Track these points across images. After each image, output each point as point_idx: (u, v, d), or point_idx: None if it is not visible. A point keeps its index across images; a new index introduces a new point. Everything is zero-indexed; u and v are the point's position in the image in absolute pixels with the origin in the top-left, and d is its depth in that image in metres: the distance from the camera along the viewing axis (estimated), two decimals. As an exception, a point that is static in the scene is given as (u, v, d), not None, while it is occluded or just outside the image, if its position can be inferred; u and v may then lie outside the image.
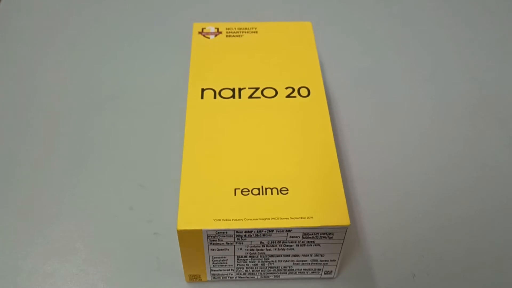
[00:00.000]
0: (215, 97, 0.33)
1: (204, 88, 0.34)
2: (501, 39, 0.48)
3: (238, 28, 0.39)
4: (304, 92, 0.34)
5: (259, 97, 0.33)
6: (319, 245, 0.28)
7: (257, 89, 0.34)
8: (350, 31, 0.50)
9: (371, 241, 0.34)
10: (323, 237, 0.28)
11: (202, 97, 0.33)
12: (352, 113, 0.42)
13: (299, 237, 0.27)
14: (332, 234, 0.27)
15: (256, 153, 0.30)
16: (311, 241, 0.28)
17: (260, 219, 0.27)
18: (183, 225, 0.27)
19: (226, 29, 0.39)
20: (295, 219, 0.27)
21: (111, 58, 0.47)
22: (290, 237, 0.28)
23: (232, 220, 0.27)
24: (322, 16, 0.52)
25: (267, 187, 0.29)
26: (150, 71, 0.46)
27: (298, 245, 0.28)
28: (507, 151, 0.39)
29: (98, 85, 0.44)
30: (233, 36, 0.38)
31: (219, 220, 0.27)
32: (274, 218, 0.27)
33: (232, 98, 0.33)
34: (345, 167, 0.38)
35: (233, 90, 0.34)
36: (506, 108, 0.42)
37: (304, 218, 0.27)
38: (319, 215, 0.27)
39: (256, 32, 0.38)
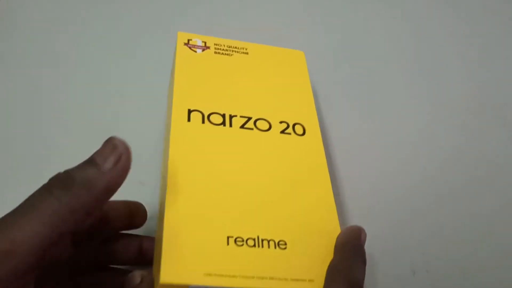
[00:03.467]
0: (203, 122, 0.29)
1: (191, 109, 0.30)
2: (502, 38, 0.47)
3: (227, 46, 0.35)
4: (299, 129, 0.31)
5: (252, 129, 0.30)
6: None
7: (249, 118, 0.30)
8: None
9: (371, 238, 0.33)
10: None
11: (188, 119, 0.29)
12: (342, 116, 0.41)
13: None
14: None
15: (251, 195, 0.27)
16: None
17: (256, 277, 0.23)
18: (167, 278, 0.22)
19: (215, 44, 0.35)
20: (295, 281, 0.24)
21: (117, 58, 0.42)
22: None
23: (225, 276, 0.23)
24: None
25: (263, 238, 0.25)
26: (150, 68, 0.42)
27: None
28: (507, 149, 0.39)
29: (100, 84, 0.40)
30: (222, 53, 0.34)
31: (210, 274, 0.23)
32: (272, 278, 0.24)
33: (222, 126, 0.29)
34: (342, 170, 0.37)
35: (224, 116, 0.30)
36: (506, 107, 0.42)
37: (305, 280, 0.24)
38: (320, 279, 0.24)
39: (247, 53, 0.35)
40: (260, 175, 0.28)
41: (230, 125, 0.30)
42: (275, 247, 0.25)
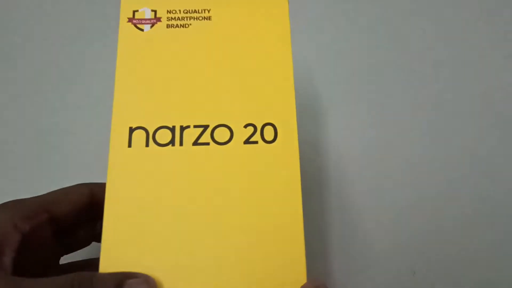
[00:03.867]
0: (147, 144, 0.25)
1: (133, 126, 0.25)
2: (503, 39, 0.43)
3: (184, 12, 0.27)
4: (269, 133, 0.25)
5: (208, 144, 0.25)
6: None
7: (205, 128, 0.25)
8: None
9: (371, 238, 0.34)
10: None
11: (129, 144, 0.25)
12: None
13: None
14: None
15: (203, 245, 0.23)
16: None
17: None
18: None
19: (168, 12, 0.27)
20: None
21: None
22: None
23: None
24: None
25: None
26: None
27: None
28: (507, 150, 0.38)
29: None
30: (177, 26, 0.27)
31: None
32: None
33: (170, 146, 0.25)
34: (342, 170, 0.36)
35: (173, 130, 0.25)
36: (506, 106, 0.40)
37: None
38: None
39: (209, 18, 0.27)
40: (215, 212, 0.24)
41: (181, 143, 0.25)
42: None
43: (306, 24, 0.43)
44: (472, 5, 0.45)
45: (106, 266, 0.22)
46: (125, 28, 0.27)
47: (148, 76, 0.26)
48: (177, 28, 0.27)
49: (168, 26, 0.27)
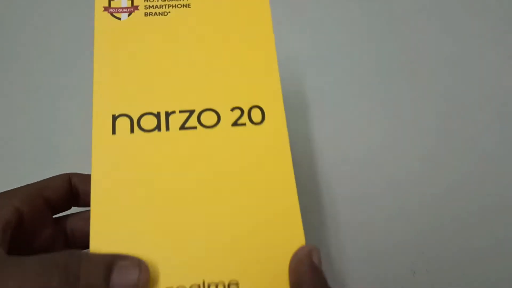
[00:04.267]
0: (132, 131, 0.24)
1: (116, 114, 0.24)
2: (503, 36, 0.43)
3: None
4: (256, 115, 0.25)
5: (195, 127, 0.24)
6: None
7: (191, 112, 0.25)
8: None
9: (371, 238, 0.34)
10: None
11: (113, 132, 0.24)
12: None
13: None
14: None
15: (195, 228, 0.22)
16: None
17: None
18: None
19: (145, 0, 0.27)
20: None
21: None
22: None
23: None
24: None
25: (210, 282, 0.22)
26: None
27: None
28: (507, 149, 0.38)
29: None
30: (156, 14, 0.27)
31: None
32: None
33: (156, 131, 0.24)
34: (342, 170, 0.36)
35: (158, 116, 0.24)
36: (506, 105, 0.40)
37: None
38: None
39: (189, 5, 0.27)
40: (206, 196, 0.23)
41: (167, 128, 0.24)
42: None
43: (306, 23, 0.42)
44: (474, 4, 0.44)
45: (97, 246, 0.21)
46: (101, 17, 0.26)
47: (128, 65, 0.25)
48: (155, 16, 0.26)
49: (146, 14, 0.26)
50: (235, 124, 0.25)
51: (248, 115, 0.25)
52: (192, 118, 0.24)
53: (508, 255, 0.33)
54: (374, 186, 0.36)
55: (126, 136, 0.24)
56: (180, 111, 0.24)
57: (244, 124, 0.25)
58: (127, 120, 0.24)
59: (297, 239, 0.22)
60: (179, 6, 0.27)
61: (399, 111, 0.39)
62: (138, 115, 0.24)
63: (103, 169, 0.23)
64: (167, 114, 0.24)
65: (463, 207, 0.35)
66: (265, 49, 0.26)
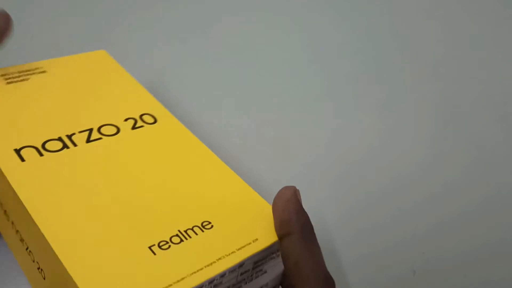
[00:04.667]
0: (41, 154, 0.23)
1: (18, 147, 0.24)
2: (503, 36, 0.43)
3: (18, 72, 0.29)
4: (149, 119, 0.28)
5: (101, 138, 0.25)
6: (266, 271, 0.23)
7: (91, 130, 0.26)
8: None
9: (371, 238, 0.33)
10: (271, 258, 0.22)
11: (22, 159, 0.23)
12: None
13: (249, 270, 0.22)
14: (278, 250, 0.23)
15: (146, 200, 0.22)
16: (260, 269, 0.22)
17: (205, 266, 0.20)
18: None
19: (2, 75, 0.28)
20: (243, 249, 0.21)
21: None
22: (241, 274, 0.21)
23: (175, 283, 0.19)
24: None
25: (185, 228, 0.21)
26: None
27: (247, 283, 0.22)
28: (507, 149, 0.38)
29: None
30: (17, 81, 0.28)
31: None
32: (220, 258, 0.20)
33: (65, 149, 0.24)
34: (342, 170, 0.36)
35: (60, 139, 0.25)
36: (506, 106, 0.40)
37: (250, 243, 0.21)
38: (262, 234, 0.22)
39: (45, 71, 0.29)
40: (143, 179, 0.24)
41: (75, 145, 0.25)
42: (202, 231, 0.21)
43: (307, 22, 0.41)
44: (474, 4, 0.43)
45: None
46: None
47: (9, 116, 0.25)
48: (17, 82, 0.28)
49: (8, 82, 0.28)
50: (134, 127, 0.27)
51: (141, 120, 0.27)
52: (94, 133, 0.25)
53: (509, 254, 0.33)
54: (374, 186, 0.35)
55: (36, 160, 0.23)
56: (80, 131, 0.25)
57: (142, 126, 0.27)
58: (32, 150, 0.24)
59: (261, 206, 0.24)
60: (36, 72, 0.29)
61: (399, 111, 0.39)
62: (41, 143, 0.24)
63: (32, 197, 0.21)
64: (69, 136, 0.25)
65: (464, 207, 0.35)
66: (126, 81, 0.30)
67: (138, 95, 0.29)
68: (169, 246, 0.20)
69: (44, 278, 0.21)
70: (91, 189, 0.22)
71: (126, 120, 0.27)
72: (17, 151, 0.23)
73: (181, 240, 0.21)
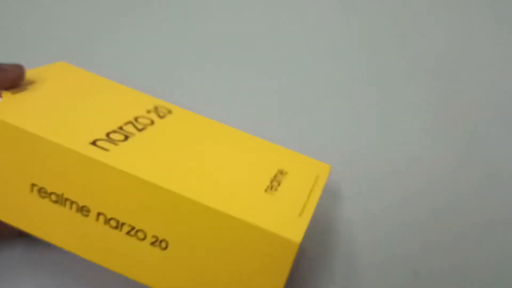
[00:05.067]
0: (115, 143, 0.24)
1: (91, 141, 0.24)
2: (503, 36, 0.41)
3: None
4: (164, 110, 0.30)
5: (145, 127, 0.27)
6: None
7: (133, 120, 0.27)
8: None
9: (371, 238, 0.34)
10: None
11: (104, 149, 0.23)
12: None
13: None
14: None
15: (235, 158, 0.27)
16: None
17: (307, 199, 0.25)
18: None
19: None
20: (316, 183, 0.27)
21: None
22: None
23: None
24: None
25: (274, 175, 0.26)
26: None
27: None
28: (508, 148, 0.38)
29: None
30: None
31: None
32: (312, 191, 0.26)
33: (131, 136, 0.25)
34: (342, 170, 0.36)
35: (117, 131, 0.26)
36: (506, 107, 0.39)
37: (317, 180, 0.28)
38: (320, 172, 0.28)
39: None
40: (219, 145, 0.28)
41: (133, 134, 0.26)
42: (283, 175, 0.27)
43: (308, 22, 0.39)
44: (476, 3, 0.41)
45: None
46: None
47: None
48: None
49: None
50: (160, 117, 0.29)
51: (159, 111, 0.30)
52: (137, 124, 0.27)
53: (509, 256, 0.34)
54: (373, 185, 0.36)
55: (116, 147, 0.24)
56: (125, 123, 0.27)
57: (164, 116, 0.29)
58: (103, 141, 0.24)
59: None
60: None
61: (398, 112, 0.38)
62: (104, 135, 0.25)
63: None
64: (120, 128, 0.26)
65: (464, 206, 0.35)
66: (106, 84, 0.32)
67: (133, 94, 0.31)
68: (276, 188, 0.25)
69: (166, 247, 0.23)
70: (187, 155, 0.25)
71: (148, 112, 0.29)
72: (93, 143, 0.24)
73: (278, 184, 0.25)
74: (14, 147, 0.24)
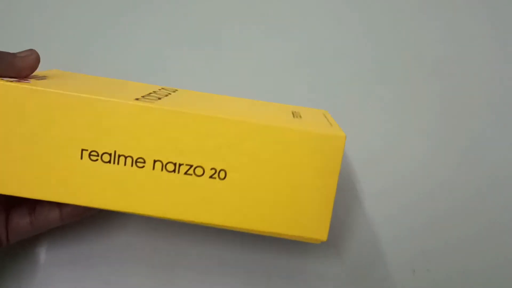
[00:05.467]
0: (158, 98, 0.26)
1: (136, 97, 0.26)
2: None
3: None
4: (168, 90, 0.32)
5: (161, 97, 0.29)
6: None
7: (151, 92, 0.29)
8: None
9: (370, 236, 0.34)
10: None
11: (151, 101, 0.25)
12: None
13: None
14: None
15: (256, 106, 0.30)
16: None
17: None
18: None
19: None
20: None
21: None
22: None
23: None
24: None
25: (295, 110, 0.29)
26: None
27: None
28: (508, 148, 0.38)
29: None
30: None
31: None
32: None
33: (163, 97, 0.27)
34: (347, 165, 0.36)
35: (150, 94, 0.28)
36: (506, 105, 0.39)
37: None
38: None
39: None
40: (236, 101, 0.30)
41: (160, 97, 0.28)
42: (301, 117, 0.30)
43: (309, 21, 0.38)
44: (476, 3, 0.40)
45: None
46: None
47: None
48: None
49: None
50: (168, 95, 0.31)
51: (165, 91, 0.32)
52: (155, 94, 0.29)
53: (509, 253, 0.34)
54: (373, 185, 0.36)
55: (159, 101, 0.26)
56: (148, 94, 0.29)
57: (170, 94, 0.32)
58: (144, 98, 0.26)
59: None
60: None
61: (398, 112, 0.38)
62: (141, 96, 0.27)
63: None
64: (148, 94, 0.28)
65: (464, 205, 0.36)
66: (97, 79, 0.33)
67: (129, 83, 0.33)
68: (300, 117, 0.28)
69: (225, 177, 0.25)
70: (220, 102, 0.28)
71: (159, 89, 0.31)
72: (138, 99, 0.26)
73: (300, 116, 0.29)
74: (60, 116, 0.25)
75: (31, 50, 0.28)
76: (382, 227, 0.35)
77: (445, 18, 0.38)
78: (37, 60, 0.27)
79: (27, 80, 0.26)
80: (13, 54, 0.27)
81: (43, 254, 0.36)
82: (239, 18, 0.37)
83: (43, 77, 0.28)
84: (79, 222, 0.35)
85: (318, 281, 0.33)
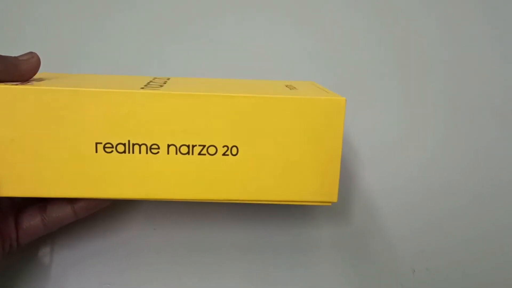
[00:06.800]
0: (161, 86, 0.27)
1: (142, 86, 0.27)
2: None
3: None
4: (162, 80, 0.33)
5: (162, 85, 0.30)
6: None
7: (152, 80, 0.30)
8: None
9: (370, 236, 0.34)
10: None
11: (155, 89, 0.26)
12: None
13: None
14: None
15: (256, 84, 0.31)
16: None
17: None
18: None
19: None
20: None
21: None
22: None
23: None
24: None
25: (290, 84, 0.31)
26: None
27: None
28: (508, 148, 0.38)
29: None
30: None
31: None
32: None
33: (164, 84, 0.28)
34: (349, 163, 0.36)
35: (151, 82, 0.28)
36: (508, 105, 0.39)
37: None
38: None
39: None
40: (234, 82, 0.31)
41: (161, 85, 0.29)
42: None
43: (310, 21, 0.38)
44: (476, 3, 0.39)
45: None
46: None
47: None
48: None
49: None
50: (165, 83, 0.32)
51: (160, 80, 0.33)
52: (155, 81, 0.30)
53: (509, 253, 0.34)
54: (373, 184, 0.36)
55: (162, 87, 0.27)
56: (150, 82, 0.29)
57: (166, 82, 0.33)
58: (148, 87, 0.27)
59: None
60: None
61: (397, 112, 0.38)
62: (144, 85, 0.27)
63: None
64: (150, 81, 0.29)
65: (464, 205, 0.36)
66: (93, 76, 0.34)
67: (123, 77, 0.33)
68: (296, 88, 0.30)
69: (237, 153, 0.26)
70: (219, 83, 0.30)
71: (154, 79, 0.32)
72: (143, 88, 0.26)
73: (295, 88, 0.30)
74: (71, 113, 0.25)
75: (31, 53, 0.28)
76: (382, 227, 0.35)
77: (444, 19, 0.38)
78: (39, 62, 0.28)
79: (30, 82, 0.27)
80: (16, 58, 0.27)
81: (48, 256, 0.36)
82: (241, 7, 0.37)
83: (40, 79, 0.28)
84: (92, 216, 0.35)
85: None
